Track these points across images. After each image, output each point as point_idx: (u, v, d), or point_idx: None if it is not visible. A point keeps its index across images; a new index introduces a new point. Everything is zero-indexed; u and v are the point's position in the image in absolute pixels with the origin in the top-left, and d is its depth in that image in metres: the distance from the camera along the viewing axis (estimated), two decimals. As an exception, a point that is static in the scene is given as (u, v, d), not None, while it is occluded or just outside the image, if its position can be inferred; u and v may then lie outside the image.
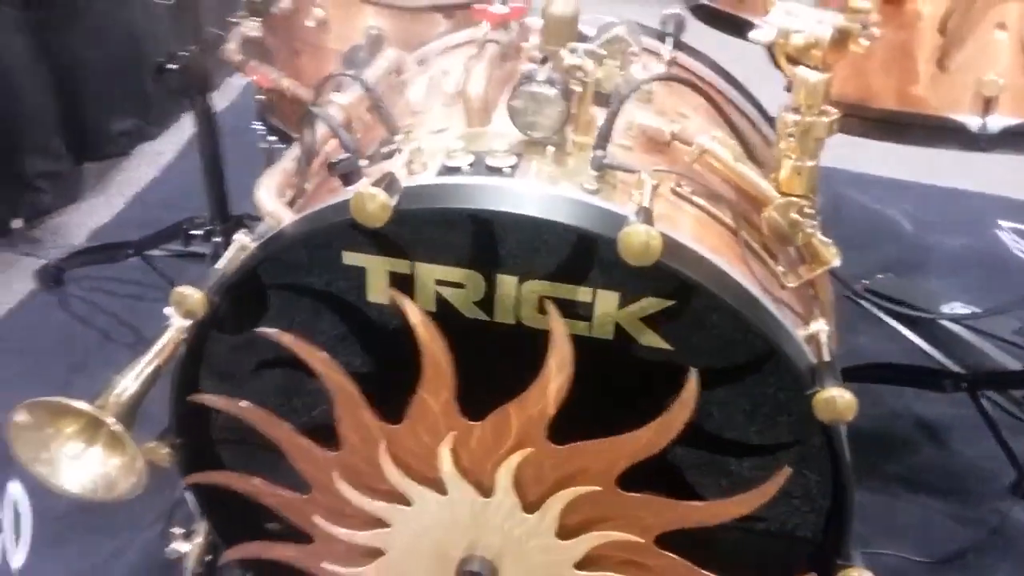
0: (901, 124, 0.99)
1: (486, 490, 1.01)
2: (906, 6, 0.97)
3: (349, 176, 1.03)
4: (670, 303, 0.94)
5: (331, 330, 1.04)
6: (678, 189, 1.03)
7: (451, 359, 0.95)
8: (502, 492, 1.00)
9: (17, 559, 1.49)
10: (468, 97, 1.08)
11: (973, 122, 0.95)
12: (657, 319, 0.96)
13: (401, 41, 1.60)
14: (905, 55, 0.98)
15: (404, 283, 0.99)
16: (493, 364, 0.99)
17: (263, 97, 1.81)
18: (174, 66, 1.56)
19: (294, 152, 1.13)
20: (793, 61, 0.94)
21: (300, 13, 1.64)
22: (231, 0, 1.77)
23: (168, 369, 1.06)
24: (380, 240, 0.97)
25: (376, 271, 1.00)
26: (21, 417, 0.99)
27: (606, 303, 0.96)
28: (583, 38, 1.17)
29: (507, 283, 0.97)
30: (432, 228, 0.96)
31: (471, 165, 0.99)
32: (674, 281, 0.91)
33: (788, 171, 0.99)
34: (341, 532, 1.06)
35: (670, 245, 0.91)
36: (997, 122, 0.97)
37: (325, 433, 1.04)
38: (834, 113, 0.96)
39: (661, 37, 1.36)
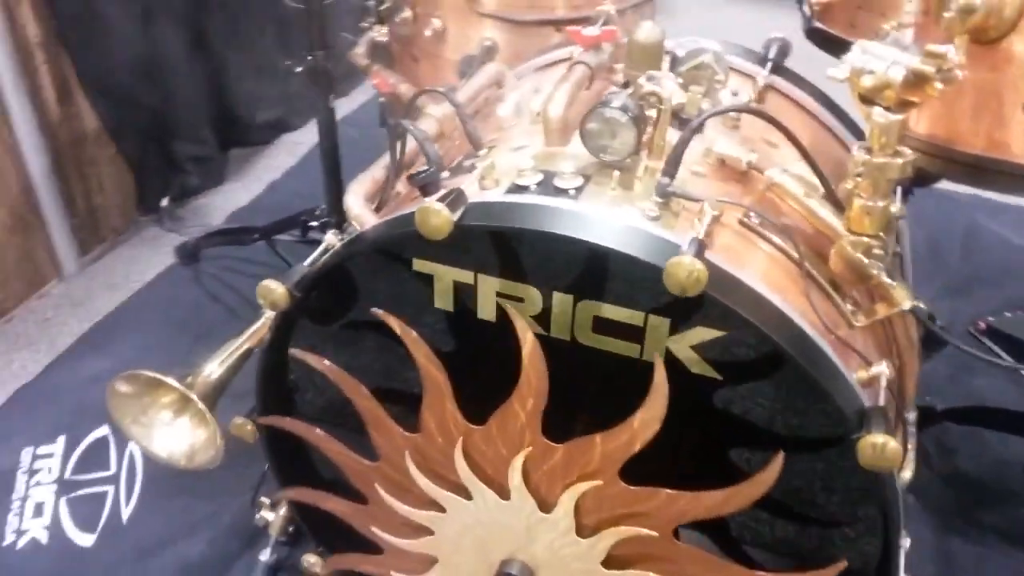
0: (987, 170, 0.96)
1: (547, 507, 1.04)
2: (999, 47, 0.93)
3: (427, 187, 1.09)
4: (720, 334, 0.95)
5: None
6: (746, 220, 1.03)
7: (547, 378, 0.97)
8: (562, 512, 1.03)
9: (127, 511, 1.64)
10: (547, 118, 1.12)
11: (1056, 172, 0.91)
12: (708, 348, 0.97)
13: (514, 53, 1.66)
14: (995, 98, 0.95)
15: (468, 292, 1.04)
16: (550, 379, 1.03)
17: (384, 100, 1.90)
18: (299, 68, 1.67)
19: (385, 160, 1.20)
20: (867, 101, 0.92)
21: (419, 23, 1.72)
22: (365, 7, 1.86)
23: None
24: (446, 250, 1.02)
25: (442, 279, 1.05)
26: (122, 386, 1.10)
27: (658, 329, 0.97)
28: (677, 61, 1.19)
29: (563, 301, 1.00)
30: (494, 243, 1.00)
31: (539, 184, 1.03)
32: (724, 312, 0.92)
33: (857, 210, 0.97)
34: (400, 506, 1.12)
35: (720, 277, 0.92)
36: (1080, 175, 0.92)
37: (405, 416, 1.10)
38: (909, 155, 0.94)
39: (762, 61, 1.35)
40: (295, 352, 1.12)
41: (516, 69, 1.43)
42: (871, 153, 0.94)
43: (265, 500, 1.45)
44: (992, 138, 0.95)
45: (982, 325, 2.07)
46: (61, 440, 1.78)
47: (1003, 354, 2.03)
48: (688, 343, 0.98)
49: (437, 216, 0.94)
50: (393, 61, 1.83)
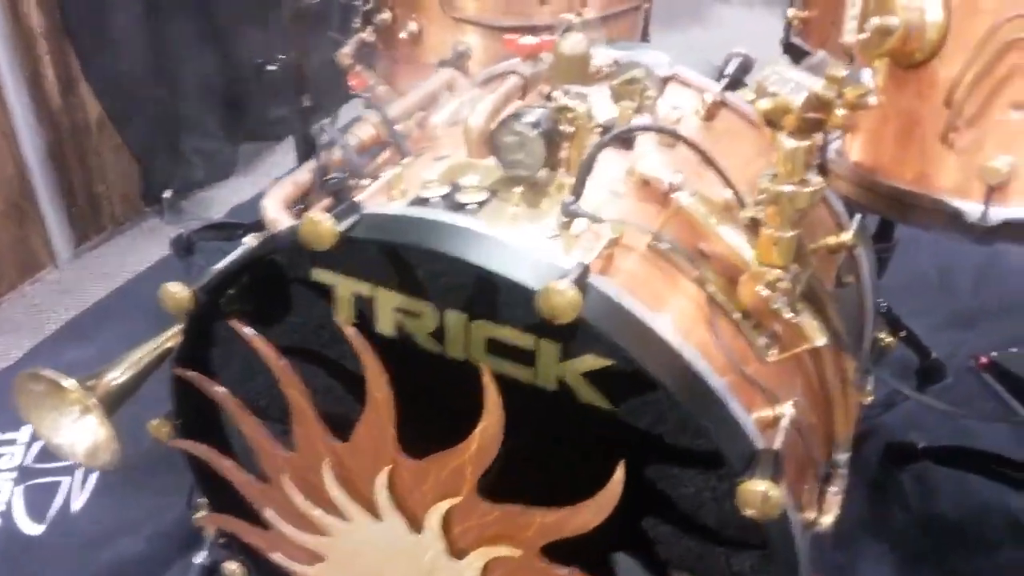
0: (905, 203, 0.89)
1: (417, 526, 1.01)
2: (924, 71, 0.86)
3: (339, 194, 1.06)
4: (609, 363, 0.91)
5: (305, 341, 1.08)
6: (655, 245, 0.98)
7: (393, 395, 0.95)
8: (431, 533, 1.00)
9: (78, 503, 1.65)
10: (468, 128, 1.08)
11: (972, 210, 0.83)
12: (599, 377, 0.92)
13: (490, 59, 1.62)
14: (918, 127, 0.88)
15: (368, 305, 1.01)
16: (448, 398, 0.99)
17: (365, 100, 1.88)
18: (272, 67, 1.66)
19: (311, 164, 1.17)
20: (772, 124, 0.87)
21: (397, 25, 1.70)
22: (353, 7, 1.85)
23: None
24: (344, 261, 0.99)
25: (343, 290, 1.02)
26: (29, 382, 1.10)
27: (548, 354, 0.93)
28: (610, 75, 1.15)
29: (457, 320, 0.97)
30: (390, 256, 0.97)
31: (442, 197, 0.99)
32: (612, 342, 0.88)
33: (764, 240, 0.92)
34: (287, 529, 1.10)
35: (605, 304, 0.88)
36: (1000, 213, 0.84)
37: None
38: (817, 183, 0.88)
39: (719, 75, 1.29)
40: (189, 375, 1.10)
41: (476, 76, 1.40)
42: (777, 180, 0.88)
43: (203, 501, 1.44)
44: (916, 170, 0.88)
45: (984, 360, 1.97)
46: (27, 429, 1.80)
47: (1004, 393, 1.93)
48: (578, 370, 0.93)
49: (320, 227, 0.91)
50: (376, 63, 1.82)
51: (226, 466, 1.14)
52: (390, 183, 1.02)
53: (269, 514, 1.11)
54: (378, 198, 1.02)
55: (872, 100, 0.84)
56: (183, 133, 2.46)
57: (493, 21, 1.60)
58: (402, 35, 1.67)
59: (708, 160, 1.00)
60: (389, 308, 1.00)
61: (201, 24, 2.37)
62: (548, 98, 1.07)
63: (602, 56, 1.30)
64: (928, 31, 0.83)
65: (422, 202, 0.99)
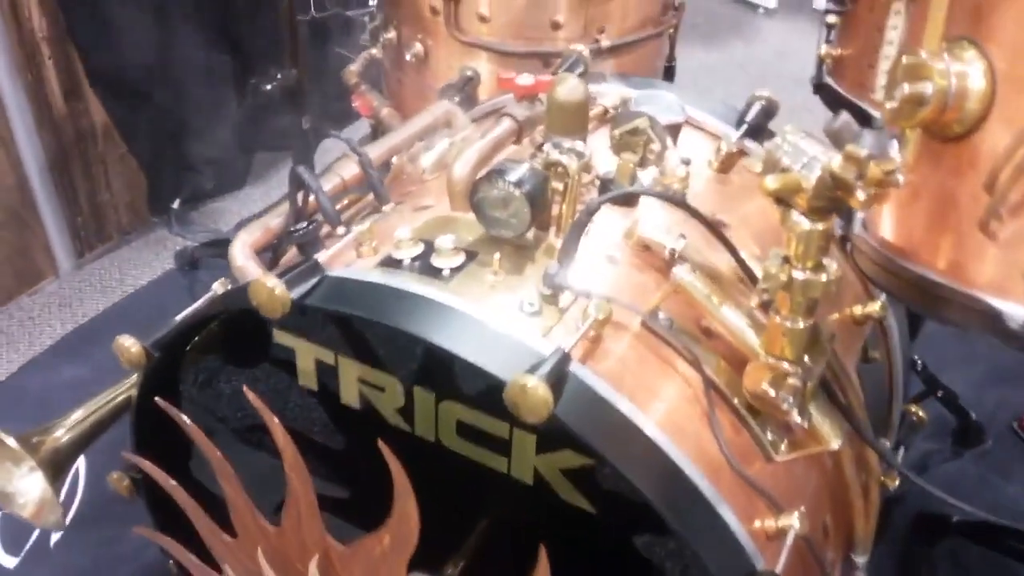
0: (935, 296, 0.77)
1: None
2: (964, 144, 0.75)
3: (305, 247, 0.97)
4: (589, 462, 0.80)
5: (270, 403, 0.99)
6: (650, 323, 0.87)
7: (310, 484, 0.86)
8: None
9: (56, 535, 1.57)
10: (451, 179, 0.98)
11: (1014, 312, 0.71)
12: (579, 475, 0.82)
13: (496, 84, 1.52)
14: (954, 209, 0.76)
15: (330, 373, 0.92)
16: (416, 479, 0.90)
17: (373, 123, 1.79)
18: (267, 87, 1.57)
19: (284, 207, 1.08)
20: (782, 202, 0.75)
21: (402, 46, 1.60)
22: (361, 22, 1.76)
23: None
24: (304, 325, 0.90)
25: (304, 355, 0.93)
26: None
27: (523, 445, 0.83)
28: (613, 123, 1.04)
29: (425, 398, 0.87)
30: (353, 324, 0.88)
31: (414, 259, 0.89)
32: (590, 439, 0.77)
33: (772, 330, 0.80)
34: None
35: (583, 400, 0.77)
36: (1044, 319, 0.72)
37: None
38: (835, 272, 0.77)
39: (741, 120, 1.18)
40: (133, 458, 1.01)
41: (472, 111, 1.30)
42: (788, 264, 0.77)
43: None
44: (949, 259, 0.77)
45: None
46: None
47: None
48: (557, 465, 0.83)
49: (270, 293, 0.82)
50: (381, 81, 1.72)
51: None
52: (359, 239, 0.92)
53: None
54: (346, 255, 0.92)
55: (900, 179, 0.72)
56: (192, 142, 2.38)
57: (502, 46, 1.49)
58: (407, 57, 1.57)
59: (714, 230, 0.88)
60: (353, 378, 0.90)
61: (212, 30, 2.28)
62: (540, 149, 0.97)
63: (610, 95, 1.20)
64: (969, 101, 0.72)
65: (393, 263, 0.89)
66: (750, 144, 1.15)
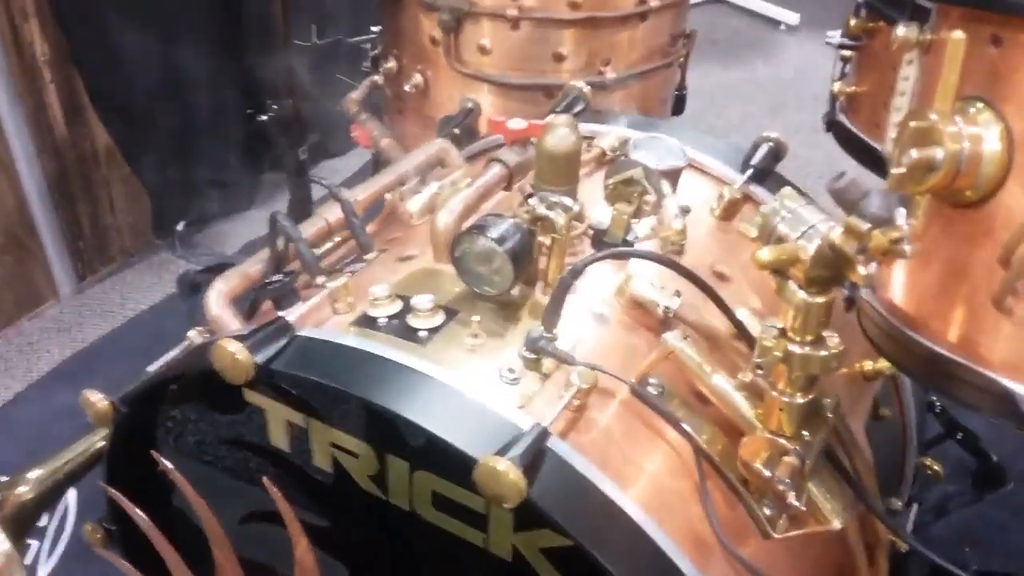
0: (945, 373, 0.71)
1: None
2: (975, 213, 0.69)
3: (280, 301, 0.92)
4: (569, 543, 0.75)
5: (237, 465, 0.94)
6: (640, 390, 0.82)
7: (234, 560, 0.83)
8: None
9: (44, 569, 1.54)
10: (434, 230, 0.93)
11: (1029, 396, 0.66)
12: (559, 556, 0.76)
13: (499, 116, 1.47)
14: (967, 281, 0.70)
15: (302, 436, 0.87)
16: (390, 548, 0.85)
17: (374, 153, 1.75)
18: (263, 118, 1.53)
19: (263, 255, 1.03)
20: (778, 272, 0.70)
21: (402, 75, 1.55)
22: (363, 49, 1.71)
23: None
24: (275, 386, 0.85)
25: (275, 416, 0.88)
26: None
27: (501, 520, 0.78)
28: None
29: (399, 466, 0.82)
30: (325, 387, 0.83)
31: (390, 318, 0.85)
32: (570, 521, 0.72)
33: (769, 404, 0.74)
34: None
35: (561, 480, 0.72)
36: (1064, 405, 0.66)
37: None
38: (835, 347, 0.71)
39: (747, 163, 1.12)
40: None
41: (467, 148, 1.25)
42: (785, 337, 0.71)
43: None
44: (961, 334, 0.70)
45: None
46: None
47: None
48: (537, 544, 0.77)
49: (232, 358, 0.77)
50: (385, 111, 1.68)
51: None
52: (334, 295, 0.87)
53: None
54: (321, 311, 0.87)
55: (907, 250, 0.67)
56: (197, 164, 2.35)
57: (503, 78, 1.44)
58: (407, 87, 1.52)
59: (709, 291, 0.83)
60: (325, 442, 0.85)
61: (217, 50, 2.25)
62: (528, 198, 0.92)
63: (609, 136, 1.14)
64: (983, 166, 0.66)
65: (368, 323, 0.85)
66: (755, 189, 1.09)
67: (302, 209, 1.72)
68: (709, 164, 1.11)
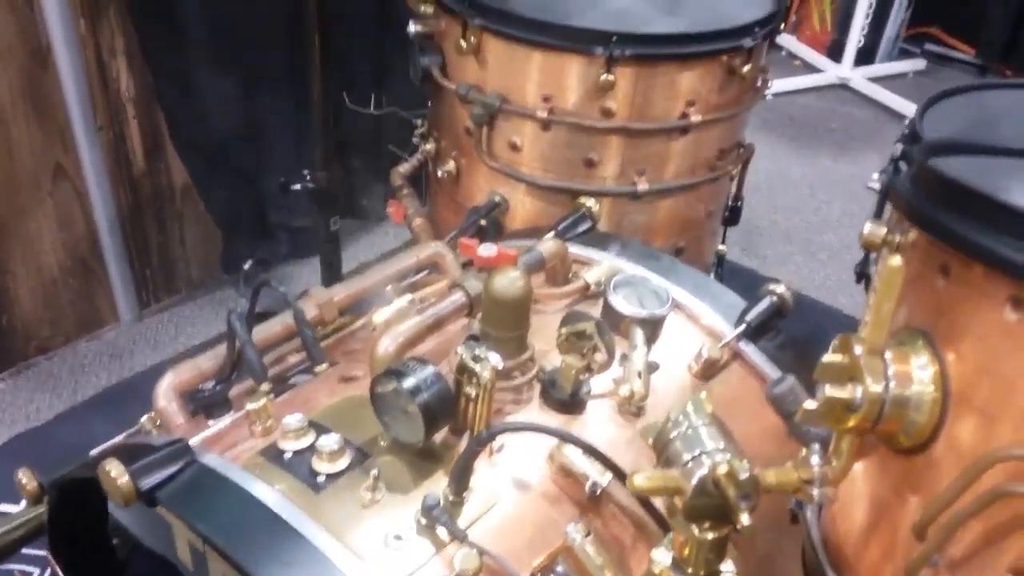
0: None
1: None
2: (912, 461, 0.58)
3: (210, 410, 0.90)
4: None
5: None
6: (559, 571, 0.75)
7: None
8: None
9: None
10: (374, 357, 0.89)
11: None
12: None
13: (529, 216, 1.43)
14: (889, 526, 0.60)
15: (201, 560, 0.84)
16: None
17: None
18: (296, 187, 1.53)
19: (220, 350, 1.02)
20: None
21: (439, 159, 1.53)
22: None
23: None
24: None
25: (180, 532, 0.85)
26: None
27: None
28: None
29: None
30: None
31: (297, 453, 0.81)
32: None
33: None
34: None
35: None
36: None
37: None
38: (730, 579, 0.63)
39: (742, 318, 1.02)
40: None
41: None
42: (677, 568, 0.63)
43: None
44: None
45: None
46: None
47: None
48: None
49: (116, 483, 0.75)
50: (424, 189, 1.66)
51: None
52: (252, 416, 0.84)
53: None
54: (236, 432, 0.85)
55: (815, 495, 0.58)
56: (270, 208, 2.39)
57: (531, 178, 1.40)
58: (440, 173, 1.50)
59: (621, 477, 0.75)
60: (218, 572, 0.82)
61: (297, 96, 2.29)
62: (472, 338, 0.86)
63: (600, 267, 1.08)
64: (912, 412, 0.56)
65: (274, 456, 0.81)
66: (746, 348, 1.00)
67: (333, 280, 1.71)
68: (700, 313, 1.02)
